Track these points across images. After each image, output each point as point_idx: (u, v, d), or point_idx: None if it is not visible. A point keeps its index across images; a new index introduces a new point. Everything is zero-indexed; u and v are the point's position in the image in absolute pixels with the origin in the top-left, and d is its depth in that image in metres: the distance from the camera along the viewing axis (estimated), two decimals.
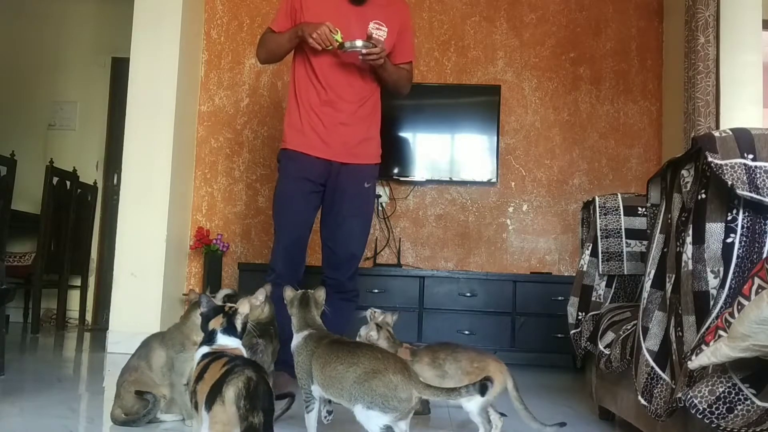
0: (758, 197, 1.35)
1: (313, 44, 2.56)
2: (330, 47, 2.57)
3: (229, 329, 1.40)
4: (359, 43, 2.55)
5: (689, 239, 1.44)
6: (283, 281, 2.28)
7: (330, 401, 1.76)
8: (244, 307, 1.47)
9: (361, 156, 2.78)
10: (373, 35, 2.63)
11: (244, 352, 1.46)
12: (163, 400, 1.99)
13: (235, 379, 1.24)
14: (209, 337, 1.42)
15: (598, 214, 2.40)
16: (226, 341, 1.40)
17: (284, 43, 2.70)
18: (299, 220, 2.73)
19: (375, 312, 2.06)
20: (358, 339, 1.98)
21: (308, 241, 2.81)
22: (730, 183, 1.36)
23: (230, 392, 1.22)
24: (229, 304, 1.49)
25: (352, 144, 2.74)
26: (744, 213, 1.38)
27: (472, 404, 1.80)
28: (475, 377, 1.71)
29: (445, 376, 1.89)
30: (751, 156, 1.39)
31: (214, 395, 1.25)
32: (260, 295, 2.08)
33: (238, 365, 1.29)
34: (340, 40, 2.54)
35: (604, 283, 2.38)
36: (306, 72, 2.72)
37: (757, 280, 1.21)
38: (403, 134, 4.11)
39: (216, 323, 1.40)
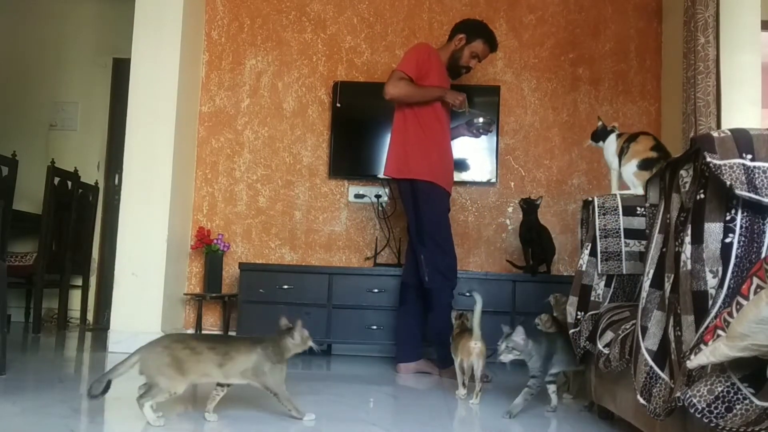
0: (757, 197, 1.36)
1: (455, 105, 3.26)
2: (461, 110, 3.30)
3: None
4: (482, 119, 3.44)
5: (688, 239, 1.45)
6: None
7: None
8: None
9: None
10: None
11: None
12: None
13: None
14: None
15: (597, 214, 2.41)
16: None
17: (428, 96, 3.25)
18: None
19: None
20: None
21: None
22: (728, 183, 1.36)
23: None
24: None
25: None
26: (742, 213, 1.39)
27: None
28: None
29: None
30: (749, 156, 1.39)
31: None
32: None
33: None
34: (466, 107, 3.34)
35: (603, 283, 2.39)
36: (437, 116, 3.30)
37: (755, 280, 1.21)
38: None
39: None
